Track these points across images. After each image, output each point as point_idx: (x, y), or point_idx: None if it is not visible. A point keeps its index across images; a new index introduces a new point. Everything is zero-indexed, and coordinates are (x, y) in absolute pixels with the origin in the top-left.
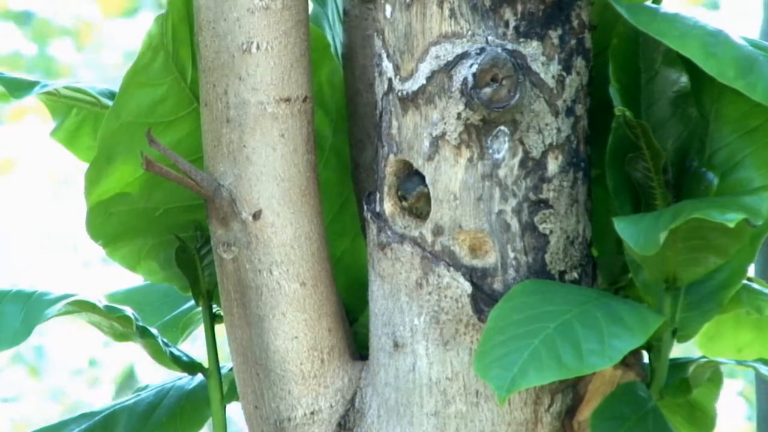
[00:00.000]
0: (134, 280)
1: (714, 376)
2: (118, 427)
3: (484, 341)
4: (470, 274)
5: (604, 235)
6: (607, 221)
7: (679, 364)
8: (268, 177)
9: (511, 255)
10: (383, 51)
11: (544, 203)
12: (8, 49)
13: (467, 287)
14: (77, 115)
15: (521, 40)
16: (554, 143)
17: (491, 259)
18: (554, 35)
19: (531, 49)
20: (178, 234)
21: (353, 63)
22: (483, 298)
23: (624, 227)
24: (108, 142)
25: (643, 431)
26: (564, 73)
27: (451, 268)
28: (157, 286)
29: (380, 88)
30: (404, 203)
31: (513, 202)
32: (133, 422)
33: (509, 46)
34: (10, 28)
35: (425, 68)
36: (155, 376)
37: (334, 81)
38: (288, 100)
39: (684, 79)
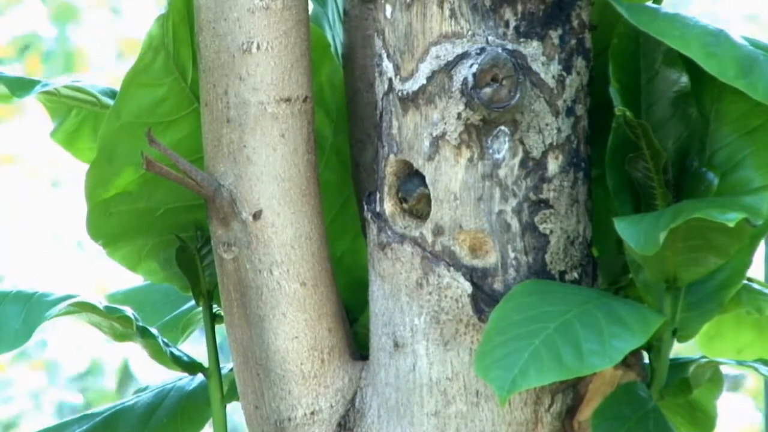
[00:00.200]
0: (135, 279)
1: (714, 377)
2: (119, 428)
3: (485, 342)
4: (470, 274)
5: (604, 235)
6: (608, 221)
7: (680, 364)
8: (269, 177)
9: (512, 255)
10: (383, 51)
11: (545, 203)
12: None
13: (467, 287)
14: (77, 116)
15: (521, 40)
16: (554, 143)
17: (491, 259)
18: (554, 35)
19: (531, 49)
20: (178, 234)
21: (353, 63)
22: (483, 298)
23: (624, 227)
24: (108, 143)
25: (644, 431)
26: (564, 73)
27: (452, 268)
28: (158, 286)
29: (380, 88)
30: (405, 205)
31: (513, 202)
32: (133, 423)
33: (509, 46)
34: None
35: (425, 68)
36: (150, 373)
37: (335, 81)
38: (288, 100)
39: (684, 79)
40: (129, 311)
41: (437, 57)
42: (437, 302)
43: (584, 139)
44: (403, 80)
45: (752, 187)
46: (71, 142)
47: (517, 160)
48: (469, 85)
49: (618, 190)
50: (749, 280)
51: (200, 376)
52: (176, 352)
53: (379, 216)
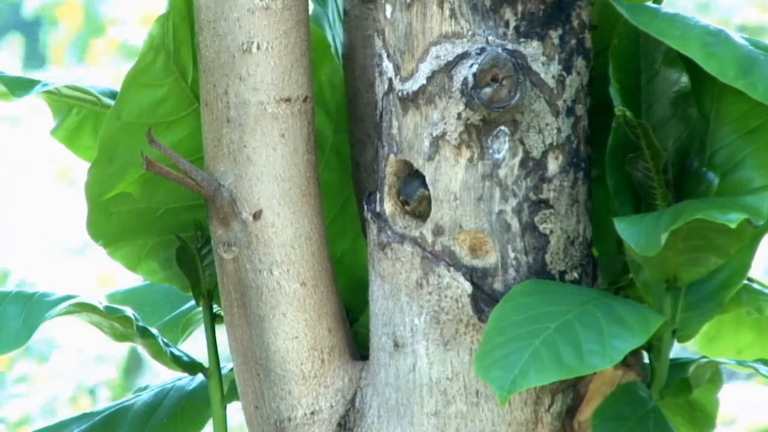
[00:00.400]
0: (136, 279)
1: (714, 377)
2: (119, 428)
3: (485, 342)
4: (470, 274)
5: (604, 235)
6: (608, 221)
7: (680, 364)
8: (269, 177)
9: (512, 255)
10: (383, 51)
11: (545, 203)
12: None
13: (467, 287)
14: (78, 114)
15: (521, 40)
16: (554, 143)
17: (491, 259)
18: (554, 35)
19: (531, 49)
20: (178, 234)
21: (353, 63)
22: (483, 298)
23: (624, 227)
24: (109, 143)
25: (644, 431)
26: (564, 73)
27: (452, 268)
28: (158, 286)
29: (380, 88)
30: (406, 207)
31: (513, 202)
32: (133, 422)
33: (509, 46)
34: None
35: (425, 68)
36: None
37: (335, 81)
38: (288, 100)
39: (684, 79)
40: (129, 311)
41: (437, 57)
42: (437, 302)
43: (584, 139)
44: (403, 80)
45: (752, 187)
46: (72, 140)
47: (517, 160)
48: (469, 85)
49: (618, 190)
50: (749, 280)
51: (200, 376)
52: (176, 352)
53: (379, 216)
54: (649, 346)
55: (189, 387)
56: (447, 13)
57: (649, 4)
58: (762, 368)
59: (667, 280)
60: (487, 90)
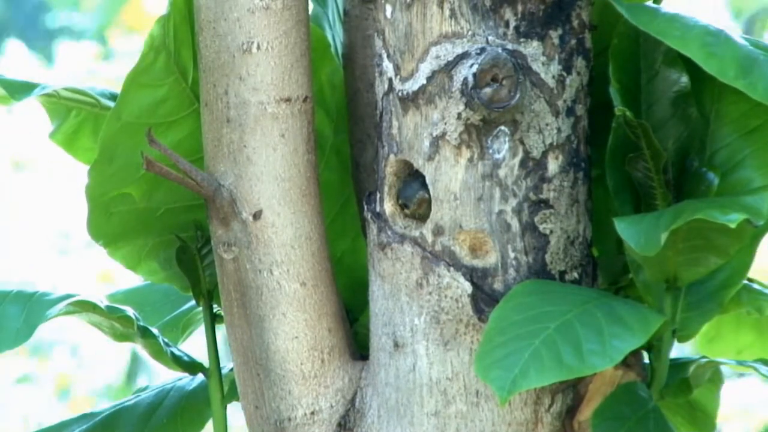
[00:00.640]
0: (136, 279)
1: (714, 377)
2: (119, 428)
3: (485, 342)
4: (470, 274)
5: (604, 235)
6: (608, 221)
7: (680, 365)
8: (269, 177)
9: (512, 255)
10: (383, 51)
11: (545, 203)
12: None
13: (467, 287)
14: (76, 116)
15: (521, 40)
16: (554, 143)
17: (491, 259)
18: (554, 35)
19: (531, 49)
20: (178, 234)
21: (353, 63)
22: (483, 298)
23: (624, 227)
24: (109, 143)
25: (644, 431)
26: (564, 73)
27: (452, 268)
28: (158, 287)
29: (380, 88)
30: (406, 211)
31: (513, 202)
32: (133, 422)
33: (509, 46)
34: None
35: (425, 68)
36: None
37: (335, 81)
38: (288, 100)
39: (684, 79)
40: (130, 311)
41: (437, 57)
42: (437, 302)
43: (584, 139)
44: (403, 80)
45: (752, 187)
46: (71, 143)
47: (517, 160)
48: (469, 85)
49: (618, 190)
50: (750, 280)
51: (200, 376)
52: (177, 352)
53: (379, 216)
54: (649, 346)
55: (189, 387)
56: (447, 13)
57: (649, 4)
58: (762, 368)
59: (667, 280)
60: (487, 90)
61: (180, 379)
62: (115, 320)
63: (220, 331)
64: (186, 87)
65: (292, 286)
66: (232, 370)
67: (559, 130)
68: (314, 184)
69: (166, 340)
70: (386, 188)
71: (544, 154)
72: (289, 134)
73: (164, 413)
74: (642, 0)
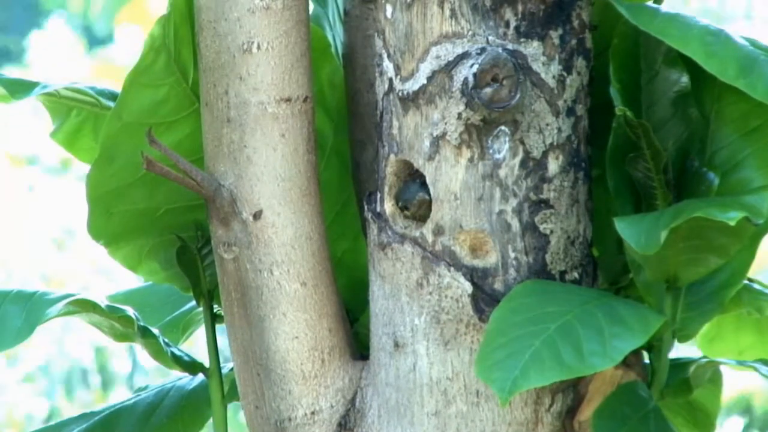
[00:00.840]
0: (137, 279)
1: (714, 377)
2: (119, 427)
3: (486, 343)
4: (471, 274)
5: (604, 235)
6: (608, 221)
7: (680, 365)
8: (269, 177)
9: (512, 255)
10: (384, 51)
11: (545, 203)
12: None
13: (468, 287)
14: (77, 116)
15: (522, 40)
16: (555, 143)
17: (492, 259)
18: (555, 35)
19: (532, 49)
20: (179, 234)
21: (354, 63)
22: (483, 298)
23: (625, 227)
24: (110, 143)
25: (645, 431)
26: (565, 73)
27: (452, 268)
28: (158, 287)
29: (381, 88)
30: (406, 213)
31: (513, 202)
32: (133, 422)
33: (510, 46)
34: None
35: (426, 68)
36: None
37: (335, 81)
38: (289, 100)
39: (684, 79)
40: (130, 311)
41: (437, 57)
42: (437, 302)
43: (585, 139)
44: (404, 80)
45: (753, 186)
46: (71, 143)
47: (517, 160)
48: (470, 85)
49: (618, 190)
50: (750, 280)
51: (200, 376)
52: (177, 352)
53: (379, 216)
54: (649, 346)
55: (189, 387)
56: (447, 13)
57: (650, 4)
58: (762, 368)
59: (667, 280)
60: (488, 90)
61: (180, 378)
62: (115, 320)
63: (221, 331)
64: (186, 87)
65: (292, 286)
66: (232, 369)
67: (559, 130)
68: (314, 184)
69: (166, 340)
70: (386, 188)
71: (545, 154)
72: (289, 134)
73: (164, 413)
74: (642, 0)
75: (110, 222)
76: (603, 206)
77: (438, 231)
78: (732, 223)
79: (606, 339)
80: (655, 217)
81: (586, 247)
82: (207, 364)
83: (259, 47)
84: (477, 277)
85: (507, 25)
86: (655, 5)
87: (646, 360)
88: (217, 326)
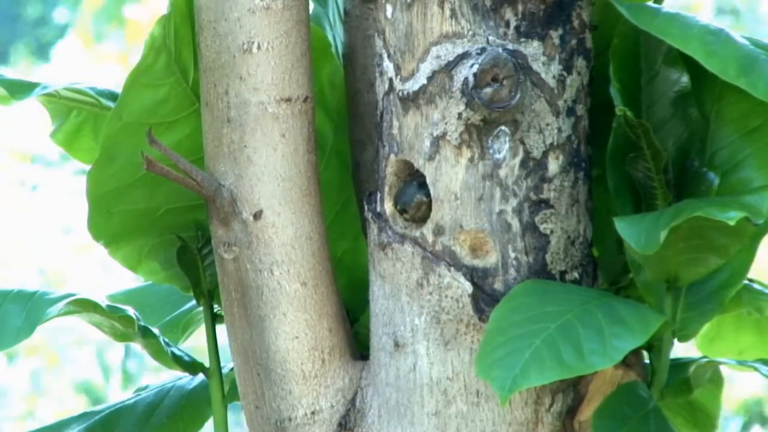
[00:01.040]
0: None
1: (715, 377)
2: (119, 427)
3: (485, 342)
4: (471, 274)
5: (604, 235)
6: (608, 221)
7: (680, 365)
8: (269, 177)
9: (512, 255)
10: (384, 51)
11: (545, 203)
12: None
13: (468, 287)
14: (77, 116)
15: (522, 40)
16: (555, 143)
17: (492, 259)
18: (555, 35)
19: (532, 49)
20: (179, 234)
21: (354, 63)
22: (484, 298)
23: (625, 227)
24: (110, 143)
25: (645, 431)
26: (565, 73)
27: (452, 268)
28: (158, 287)
29: (381, 88)
30: (405, 215)
31: (514, 202)
32: (133, 422)
33: (510, 46)
34: None
35: (426, 68)
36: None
37: (335, 81)
38: (289, 100)
39: (685, 79)
40: (131, 311)
41: (438, 57)
42: (438, 302)
43: (585, 139)
44: (404, 80)
45: (753, 186)
46: (71, 143)
47: (517, 160)
48: (470, 85)
49: (618, 190)
50: (750, 280)
51: (200, 376)
52: (177, 352)
53: (379, 216)
54: (649, 346)
55: (189, 386)
56: (447, 13)
57: (650, 3)
58: (763, 368)
59: (667, 280)
60: (488, 90)
61: (180, 378)
62: (115, 320)
63: (221, 331)
64: (186, 87)
65: (292, 286)
66: (232, 369)
67: (559, 130)
68: (315, 184)
69: (166, 340)
70: (387, 188)
71: (545, 154)
72: (289, 134)
73: (164, 412)
74: (643, 0)
75: (110, 222)
76: (603, 206)
77: (438, 231)
78: (732, 223)
79: (606, 338)
80: (655, 217)
81: (586, 247)
82: (207, 364)
83: (259, 47)
84: (477, 277)
85: (507, 25)
86: (655, 5)
87: (646, 360)
88: (218, 326)
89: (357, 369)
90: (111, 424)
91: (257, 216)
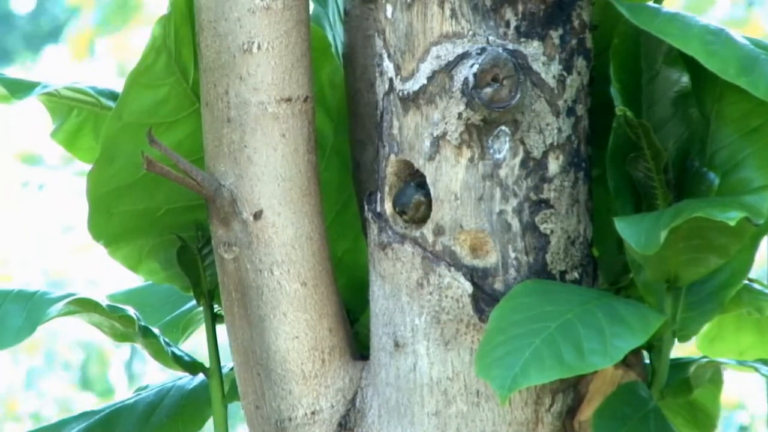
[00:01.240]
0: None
1: (715, 377)
2: (119, 427)
3: (485, 341)
4: (471, 274)
5: (605, 235)
6: (608, 221)
7: (680, 365)
8: (269, 177)
9: (512, 255)
10: (384, 51)
11: (545, 203)
12: None
13: (468, 287)
14: (77, 116)
15: (522, 40)
16: (555, 143)
17: (492, 259)
18: (555, 35)
19: (532, 49)
20: (179, 234)
21: (354, 63)
22: (484, 298)
23: (625, 227)
24: (110, 143)
25: (645, 431)
26: (565, 73)
27: (452, 268)
28: (158, 287)
29: (381, 88)
30: (404, 217)
31: (514, 202)
32: (133, 421)
33: (510, 46)
34: None
35: (426, 68)
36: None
37: (335, 81)
38: (289, 100)
39: (685, 79)
40: (131, 311)
41: (438, 57)
42: (438, 302)
43: (585, 139)
44: (404, 80)
45: (753, 186)
46: (72, 142)
47: (517, 160)
48: (470, 85)
49: (619, 190)
50: (750, 280)
51: (200, 376)
52: (177, 352)
53: (379, 216)
54: (649, 346)
55: (189, 386)
56: (448, 13)
57: (650, 3)
58: (763, 368)
59: (667, 280)
60: (488, 90)
61: (180, 378)
62: (116, 320)
63: (221, 330)
64: (187, 87)
65: (292, 286)
66: (232, 369)
67: (559, 130)
68: (315, 184)
69: (166, 339)
70: (387, 188)
71: (545, 154)
72: (289, 134)
73: (164, 412)
74: (643, 0)
75: (110, 222)
76: (603, 206)
77: (438, 231)
78: (732, 223)
79: (606, 338)
80: (655, 217)
81: (586, 247)
82: (207, 363)
83: (259, 47)
84: (477, 277)
85: (507, 25)
86: (656, 5)
87: (646, 360)
88: (218, 326)
89: (357, 369)
90: (111, 424)
91: (257, 216)
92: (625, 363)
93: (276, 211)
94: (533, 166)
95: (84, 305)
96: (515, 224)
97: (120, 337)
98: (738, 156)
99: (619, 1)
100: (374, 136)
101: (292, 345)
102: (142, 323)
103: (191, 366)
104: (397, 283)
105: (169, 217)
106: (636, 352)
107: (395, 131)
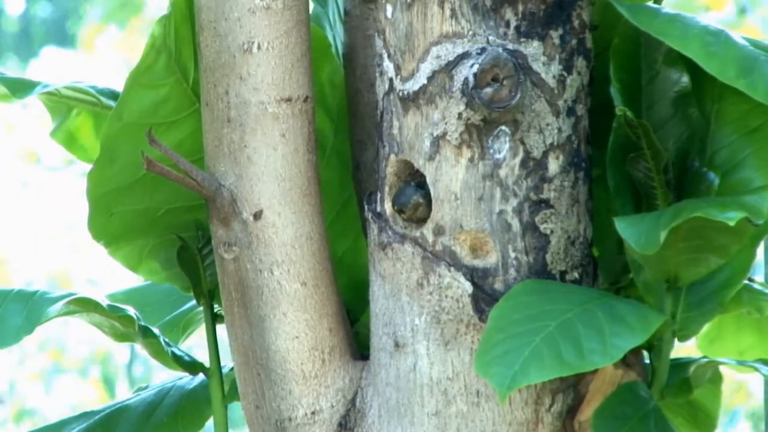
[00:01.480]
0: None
1: (714, 377)
2: (119, 426)
3: (485, 340)
4: (471, 274)
5: (605, 235)
6: (608, 221)
7: (680, 364)
8: (269, 177)
9: (512, 255)
10: (384, 51)
11: (545, 203)
12: None
13: (468, 287)
14: (77, 115)
15: (522, 40)
16: (555, 143)
17: (492, 259)
18: (555, 35)
19: (532, 49)
20: (179, 234)
21: (354, 63)
22: (484, 298)
23: (625, 227)
24: (110, 143)
25: (645, 431)
26: (565, 73)
27: (452, 268)
28: (158, 287)
29: (381, 88)
30: (403, 216)
31: (514, 202)
32: (133, 421)
33: (510, 46)
34: None
35: (426, 68)
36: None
37: (335, 81)
38: (289, 100)
39: (685, 80)
40: (131, 310)
41: (438, 57)
42: (438, 302)
43: (585, 139)
44: (404, 80)
45: (753, 186)
46: (71, 142)
47: (517, 160)
48: (470, 85)
49: (619, 190)
50: (750, 280)
51: (200, 376)
52: (177, 352)
53: (379, 216)
54: (649, 346)
55: (189, 386)
56: (448, 13)
57: (650, 4)
58: (763, 368)
59: (667, 280)
60: (488, 90)
61: (180, 378)
62: (116, 320)
63: (222, 330)
64: (187, 87)
65: (292, 286)
66: (232, 369)
67: (559, 130)
68: (315, 184)
69: (166, 339)
70: (387, 188)
71: (545, 154)
72: (289, 134)
73: (164, 412)
74: (643, 0)
75: (111, 222)
76: (603, 206)
77: (438, 231)
78: (732, 223)
79: (606, 337)
80: (655, 217)
81: (586, 247)
82: (207, 363)
83: (259, 47)
84: (477, 277)
85: (507, 25)
86: (655, 5)
87: (647, 360)
88: (218, 326)
89: (357, 369)
90: (111, 424)
91: (257, 216)
92: (625, 363)
93: (276, 211)
94: (533, 166)
95: (84, 305)
96: (515, 224)
97: (120, 337)
98: (738, 156)
99: (619, 1)
100: (374, 136)
101: (292, 345)
102: (142, 323)
103: (191, 366)
104: (397, 283)
105: (169, 217)
106: (636, 352)
107: (395, 131)
